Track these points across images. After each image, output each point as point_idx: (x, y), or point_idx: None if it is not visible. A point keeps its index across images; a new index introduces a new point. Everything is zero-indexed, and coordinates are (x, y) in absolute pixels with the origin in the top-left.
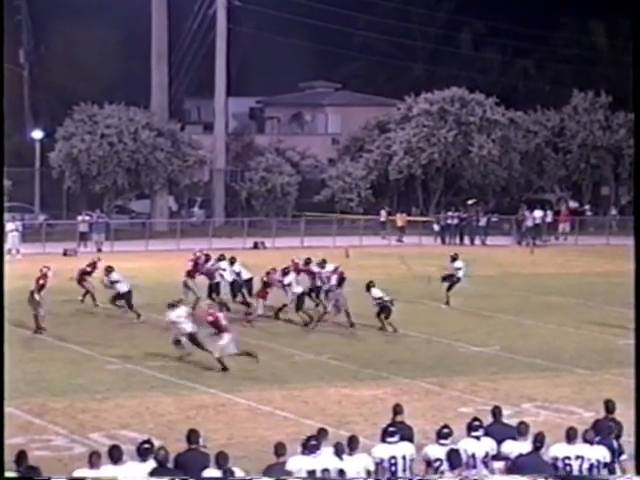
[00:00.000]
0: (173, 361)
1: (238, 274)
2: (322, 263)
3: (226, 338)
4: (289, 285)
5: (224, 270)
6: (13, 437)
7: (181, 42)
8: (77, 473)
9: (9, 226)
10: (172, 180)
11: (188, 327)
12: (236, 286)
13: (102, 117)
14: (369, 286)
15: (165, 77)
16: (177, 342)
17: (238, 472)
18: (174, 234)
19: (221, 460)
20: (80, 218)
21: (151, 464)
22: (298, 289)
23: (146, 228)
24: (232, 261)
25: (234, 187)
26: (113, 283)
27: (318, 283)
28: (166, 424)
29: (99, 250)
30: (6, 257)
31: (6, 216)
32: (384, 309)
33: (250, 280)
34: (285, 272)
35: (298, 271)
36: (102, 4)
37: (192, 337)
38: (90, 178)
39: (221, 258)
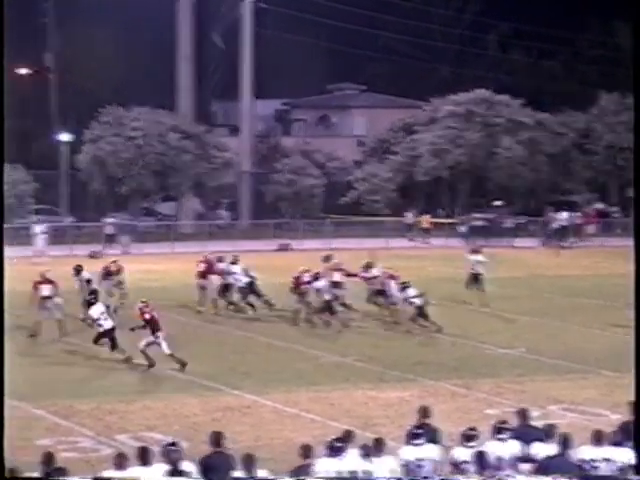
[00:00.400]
0: (199, 362)
1: (246, 275)
2: (368, 266)
3: (161, 335)
4: (319, 290)
5: (236, 273)
6: (40, 438)
7: (207, 44)
8: (103, 474)
9: (37, 228)
10: (198, 182)
11: (108, 324)
12: (252, 288)
13: (129, 120)
14: (404, 287)
15: (191, 79)
16: (98, 340)
17: (265, 474)
18: (200, 236)
19: (248, 462)
20: (106, 220)
21: (181, 466)
22: (327, 296)
23: (172, 230)
24: (235, 261)
25: (260, 189)
26: (89, 282)
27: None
28: (192, 426)
29: (125, 252)
30: (34, 259)
31: (33, 218)
32: (421, 308)
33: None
34: (316, 277)
35: (348, 275)
36: (128, 7)
37: (110, 333)
38: (117, 180)
39: (234, 262)
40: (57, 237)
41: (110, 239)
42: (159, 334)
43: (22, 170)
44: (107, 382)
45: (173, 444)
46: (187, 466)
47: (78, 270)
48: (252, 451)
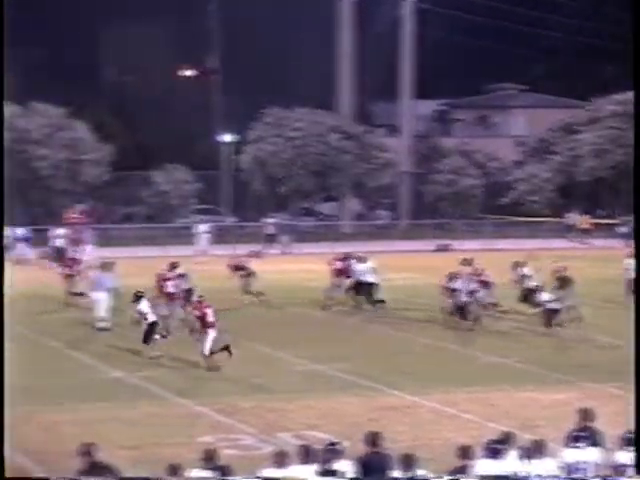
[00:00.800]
0: (358, 362)
1: (367, 274)
2: (517, 266)
3: (211, 334)
4: (455, 291)
5: (362, 271)
6: (203, 436)
7: (368, 45)
8: (265, 473)
9: (200, 228)
10: (358, 183)
11: (152, 317)
12: (371, 288)
13: (290, 120)
14: (538, 289)
15: (352, 79)
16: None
17: (425, 474)
18: (360, 236)
19: (407, 462)
20: (267, 220)
21: (340, 465)
22: (464, 297)
23: (332, 230)
24: (362, 260)
25: (420, 189)
26: (182, 277)
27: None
28: (352, 425)
29: (285, 252)
30: (195, 258)
31: (196, 218)
32: (549, 312)
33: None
34: (453, 277)
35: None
36: (289, 7)
37: (152, 326)
38: (277, 181)
39: (360, 259)
40: (220, 237)
41: (270, 239)
42: (209, 331)
43: (184, 171)
44: (269, 380)
45: (334, 444)
46: (344, 466)
47: (173, 266)
48: (411, 451)
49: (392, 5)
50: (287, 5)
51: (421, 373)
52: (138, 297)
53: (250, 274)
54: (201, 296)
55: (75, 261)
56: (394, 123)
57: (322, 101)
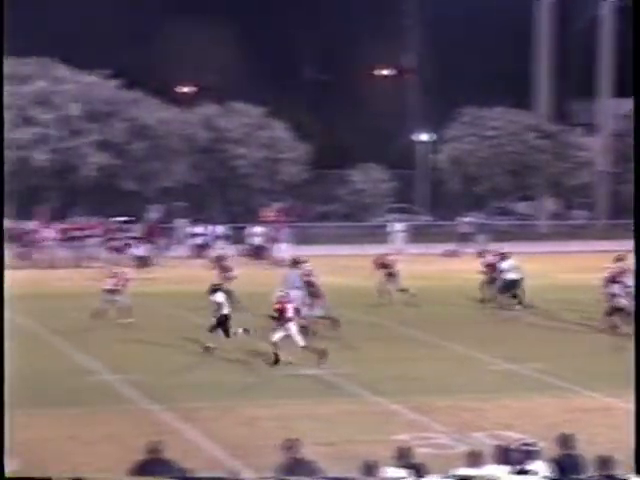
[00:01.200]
0: (550, 362)
1: (511, 271)
2: None
3: (290, 328)
4: (612, 294)
5: (506, 269)
6: (398, 434)
7: (566, 43)
8: (459, 472)
9: (396, 226)
10: (555, 182)
11: (226, 309)
12: (513, 285)
13: (486, 119)
14: None
15: (549, 78)
16: (214, 329)
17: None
18: (556, 236)
19: (605, 464)
20: (462, 219)
21: (534, 466)
22: (622, 302)
23: (527, 230)
24: (505, 257)
25: (618, 189)
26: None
27: None
28: (547, 426)
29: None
30: (395, 257)
31: (391, 217)
32: None
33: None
34: (612, 279)
35: None
36: (487, 6)
37: (225, 318)
38: (473, 180)
39: (503, 257)
40: (415, 235)
41: (464, 238)
42: (290, 325)
43: (380, 169)
44: (464, 380)
45: (528, 444)
46: (539, 466)
47: (296, 262)
48: (608, 453)
49: (591, 4)
50: (483, 3)
51: (615, 374)
52: (214, 290)
53: (392, 274)
54: (282, 290)
55: (221, 258)
56: (592, 122)
57: (517, 100)
